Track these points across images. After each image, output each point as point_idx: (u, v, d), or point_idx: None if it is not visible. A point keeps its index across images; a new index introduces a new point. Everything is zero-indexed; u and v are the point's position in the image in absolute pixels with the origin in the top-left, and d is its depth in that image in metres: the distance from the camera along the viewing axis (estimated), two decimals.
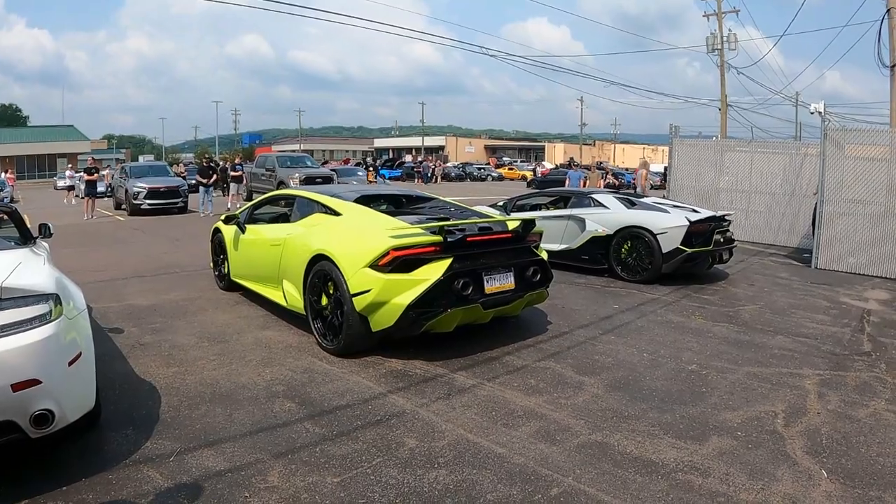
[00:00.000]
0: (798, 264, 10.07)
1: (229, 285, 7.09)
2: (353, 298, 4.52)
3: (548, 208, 9.53)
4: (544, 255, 5.33)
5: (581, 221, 8.44)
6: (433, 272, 4.41)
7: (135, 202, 16.39)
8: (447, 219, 5.27)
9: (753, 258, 10.60)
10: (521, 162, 58.44)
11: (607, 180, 18.20)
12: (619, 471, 3.08)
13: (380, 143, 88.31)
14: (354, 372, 4.49)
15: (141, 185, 16.63)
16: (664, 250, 7.65)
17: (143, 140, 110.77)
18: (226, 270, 7.11)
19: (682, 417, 3.71)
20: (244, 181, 19.99)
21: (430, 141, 74.60)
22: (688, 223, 7.61)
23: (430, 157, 53.42)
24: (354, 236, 4.84)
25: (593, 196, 8.83)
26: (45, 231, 5.22)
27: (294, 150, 72.55)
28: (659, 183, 14.72)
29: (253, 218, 6.86)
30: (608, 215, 8.27)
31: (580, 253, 8.42)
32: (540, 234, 5.39)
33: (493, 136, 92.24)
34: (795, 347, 5.25)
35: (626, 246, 8.04)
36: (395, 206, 6.18)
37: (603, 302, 6.81)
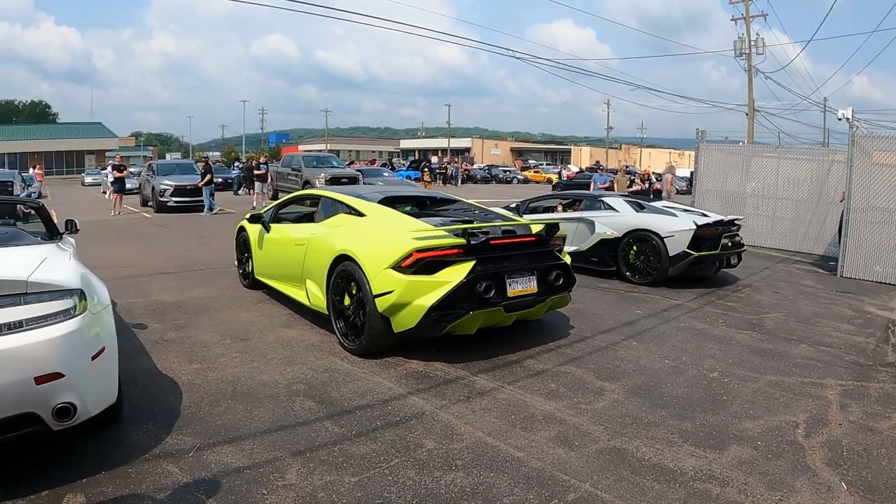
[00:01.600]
0: (823, 272, 9.89)
1: (253, 283, 7.17)
2: (376, 299, 4.55)
3: (560, 210, 9.58)
4: (567, 259, 5.32)
5: (591, 224, 8.52)
6: (456, 274, 4.43)
7: (161, 199, 16.70)
8: (471, 221, 5.27)
9: (778, 265, 10.45)
10: (547, 165, 57.94)
11: (635, 186, 17.75)
12: (637, 478, 3.06)
13: (406, 144, 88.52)
14: (375, 373, 4.51)
15: (167, 183, 16.94)
16: (671, 253, 7.71)
17: (171, 138, 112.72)
18: (250, 269, 7.19)
19: (702, 425, 3.67)
20: (269, 180, 20.20)
21: (457, 143, 74.52)
22: (695, 227, 7.65)
23: (456, 159, 53.40)
24: (378, 237, 4.87)
25: (604, 199, 8.95)
26: (71, 227, 5.31)
27: (320, 150, 73.31)
28: (685, 188, 14.54)
29: (278, 217, 6.94)
30: (617, 218, 8.35)
31: (589, 255, 8.47)
32: (563, 238, 5.37)
33: (519, 139, 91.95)
34: (819, 357, 5.16)
35: (633, 249, 8.10)
36: (420, 207, 6.19)
37: (626, 307, 6.76)
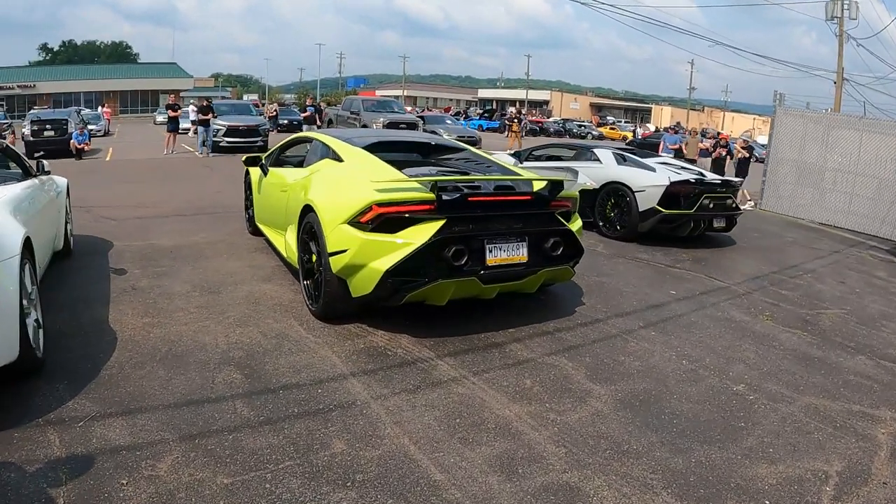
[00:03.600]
0: None
1: (255, 229, 6.76)
2: (330, 258, 3.97)
3: (560, 160, 9.30)
4: (576, 226, 4.46)
5: (576, 174, 8.31)
6: (420, 235, 3.72)
7: (214, 139, 16.61)
8: (466, 173, 4.56)
9: (850, 249, 8.93)
10: (625, 122, 55.07)
11: (717, 152, 15.82)
12: None
13: (484, 93, 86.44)
14: (329, 344, 3.91)
15: (221, 123, 16.83)
16: (640, 209, 7.51)
17: (250, 79, 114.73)
18: (252, 214, 6.80)
19: (699, 464, 2.76)
20: (316, 122, 19.84)
21: (535, 94, 72.23)
22: (667, 183, 7.33)
23: (524, 111, 51.57)
24: (341, 187, 4.26)
25: (594, 150, 8.79)
26: (40, 168, 5.15)
27: (397, 96, 73.16)
28: (746, 155, 12.89)
29: (280, 160, 6.43)
30: (598, 170, 8.20)
31: None
32: (573, 200, 4.49)
33: (601, 95, 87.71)
34: (877, 375, 4.02)
35: (610, 201, 7.92)
36: (419, 155, 5.54)
37: (659, 285, 5.75)
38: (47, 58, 75.28)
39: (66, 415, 2.93)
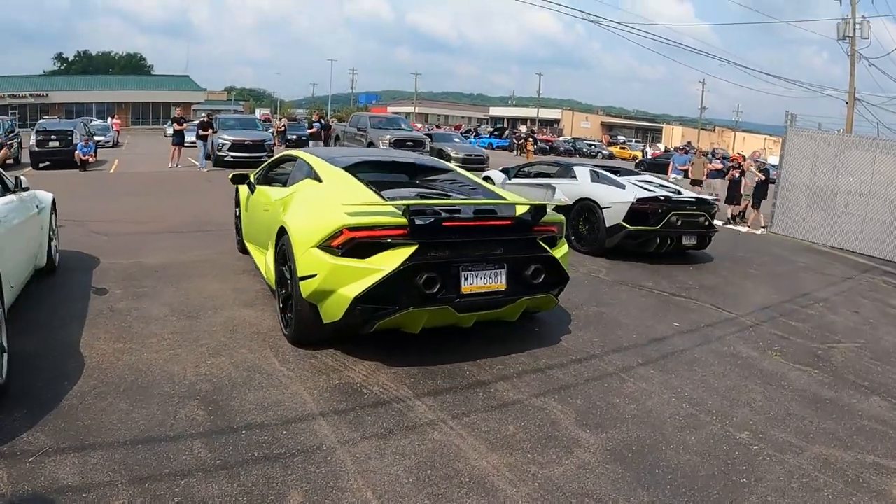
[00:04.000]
0: None
1: (243, 248, 6.59)
2: (300, 282, 3.82)
3: (547, 176, 9.46)
4: (561, 252, 4.25)
5: (553, 190, 8.58)
6: (391, 261, 3.56)
7: (219, 153, 16.56)
8: (448, 195, 4.47)
9: (863, 275, 8.56)
10: (636, 142, 54.83)
11: (731, 174, 15.42)
12: None
13: (495, 111, 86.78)
14: (301, 378, 3.67)
15: (226, 138, 16.77)
16: (607, 224, 7.70)
17: (263, 93, 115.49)
18: (241, 232, 6.67)
19: None
20: (321, 139, 19.73)
21: (546, 113, 72.43)
22: (632, 200, 7.53)
23: (544, 130, 51.44)
24: (314, 208, 4.14)
25: (573, 167, 9.00)
26: (18, 183, 5.01)
27: (409, 113, 73.54)
28: (762, 178, 12.62)
29: (268, 178, 6.23)
30: (573, 186, 8.43)
31: None
32: (559, 225, 4.33)
33: (612, 114, 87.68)
34: (892, 419, 3.69)
35: (582, 217, 8.12)
36: (405, 176, 5.35)
37: (662, 316, 5.45)
38: (62, 67, 76.25)
39: (18, 448, 2.78)
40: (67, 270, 5.85)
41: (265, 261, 5.00)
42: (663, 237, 7.65)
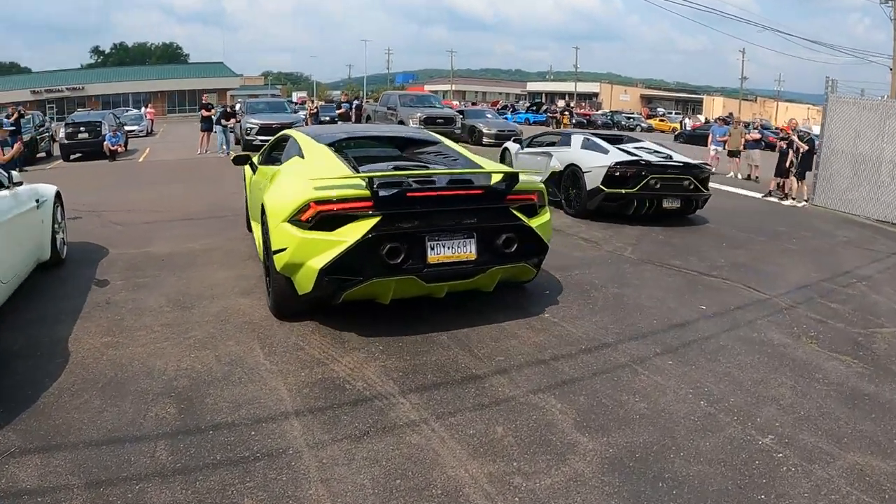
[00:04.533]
0: None
1: (249, 228, 6.60)
2: (274, 256, 3.93)
3: (553, 145, 9.74)
4: (539, 221, 4.20)
5: (550, 157, 9.00)
6: (355, 233, 3.63)
7: (247, 138, 16.47)
8: (427, 167, 4.50)
9: None
10: (676, 114, 52.92)
11: (779, 145, 14.81)
12: None
13: (533, 86, 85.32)
14: (283, 373, 3.46)
15: (254, 122, 16.65)
16: (588, 188, 8.06)
17: (300, 77, 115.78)
18: (247, 212, 6.74)
19: None
20: (350, 119, 19.55)
21: (585, 87, 71.14)
22: (608, 164, 7.85)
23: (582, 104, 50.21)
24: (288, 184, 4.17)
25: (571, 135, 9.36)
26: (10, 179, 4.96)
27: (446, 91, 72.91)
28: (806, 148, 12.00)
29: (269, 158, 6.14)
30: (566, 153, 8.79)
31: (546, 187, 9.06)
32: (539, 193, 4.29)
33: (652, 86, 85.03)
34: None
35: (570, 181, 8.50)
36: (394, 149, 5.38)
37: (689, 298, 5.01)
38: (99, 60, 77.92)
39: None
40: (75, 263, 5.80)
41: (257, 237, 5.05)
42: (641, 200, 7.88)
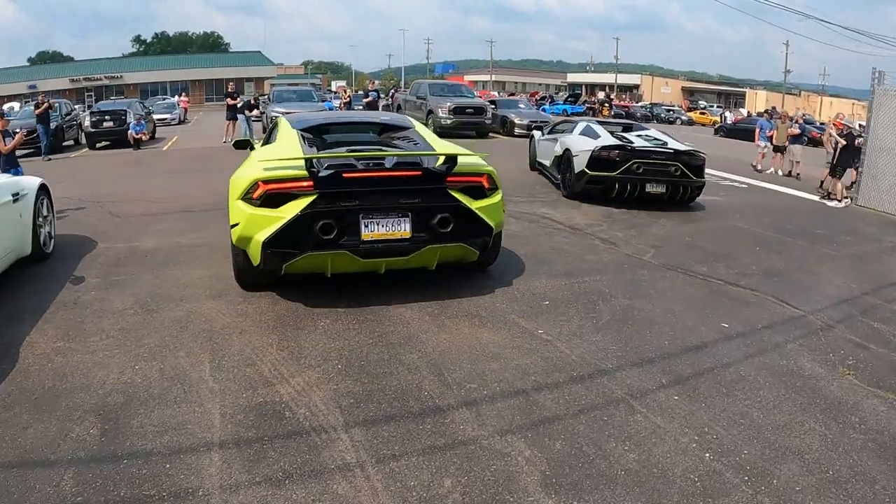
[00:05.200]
0: None
1: None
2: (231, 231, 4.28)
3: (562, 132, 10.12)
4: (484, 203, 4.29)
5: (556, 143, 9.48)
6: (293, 209, 3.92)
7: (270, 126, 16.33)
8: (383, 149, 4.75)
9: None
10: (717, 107, 51.08)
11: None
12: None
13: (573, 77, 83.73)
14: (223, 393, 3.09)
15: (278, 111, 16.42)
16: (576, 170, 8.46)
17: (341, 66, 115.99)
18: None
19: None
20: (376, 108, 19.22)
21: (625, 79, 69.65)
22: (592, 149, 8.22)
23: (623, 96, 48.93)
24: (247, 166, 4.53)
25: (577, 123, 9.85)
26: None
27: (485, 81, 72.15)
28: (843, 143, 11.32)
29: (265, 142, 6.16)
30: (566, 138, 9.19)
31: (551, 170, 9.74)
32: (488, 175, 4.39)
33: (694, 79, 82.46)
34: None
35: (565, 165, 8.91)
36: (366, 135, 5.56)
37: (710, 313, 4.39)
38: (140, 49, 79.09)
39: None
40: (59, 257, 5.57)
41: None
42: (623, 183, 8.12)
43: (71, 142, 17.24)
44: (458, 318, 4.09)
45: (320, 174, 3.89)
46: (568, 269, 5.31)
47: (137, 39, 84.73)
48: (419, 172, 4.10)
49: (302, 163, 3.92)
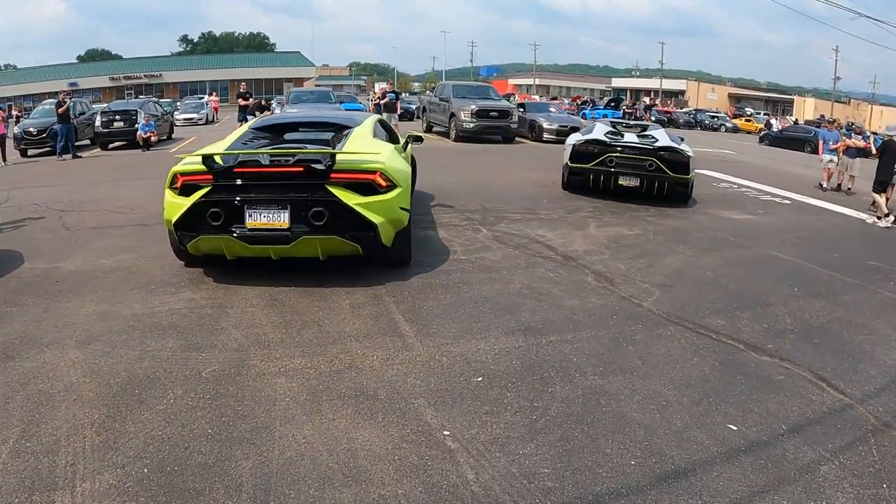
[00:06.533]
0: None
1: None
2: (163, 213, 4.75)
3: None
4: (370, 200, 4.47)
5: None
6: (193, 198, 4.44)
7: None
8: (303, 147, 5.01)
9: None
10: (764, 114, 48.75)
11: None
12: None
13: (618, 82, 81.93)
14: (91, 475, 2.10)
15: (291, 112, 15.80)
16: (564, 162, 9.38)
17: (386, 68, 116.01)
18: None
19: None
20: (395, 109, 18.49)
21: (671, 84, 68.39)
22: (573, 143, 9.06)
23: (668, 102, 47.14)
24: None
25: (594, 124, 10.50)
26: None
27: (529, 85, 70.83)
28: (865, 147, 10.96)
29: None
30: (574, 135, 9.83)
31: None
32: (382, 173, 4.59)
33: (742, 85, 79.50)
34: None
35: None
36: (318, 132, 5.98)
37: (715, 403, 3.17)
38: (187, 48, 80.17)
39: None
40: None
41: None
42: (596, 175, 8.74)
43: (87, 141, 16.91)
44: (344, 398, 3.07)
45: (214, 168, 4.38)
46: (533, 320, 4.16)
47: (184, 39, 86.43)
48: (301, 169, 4.40)
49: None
